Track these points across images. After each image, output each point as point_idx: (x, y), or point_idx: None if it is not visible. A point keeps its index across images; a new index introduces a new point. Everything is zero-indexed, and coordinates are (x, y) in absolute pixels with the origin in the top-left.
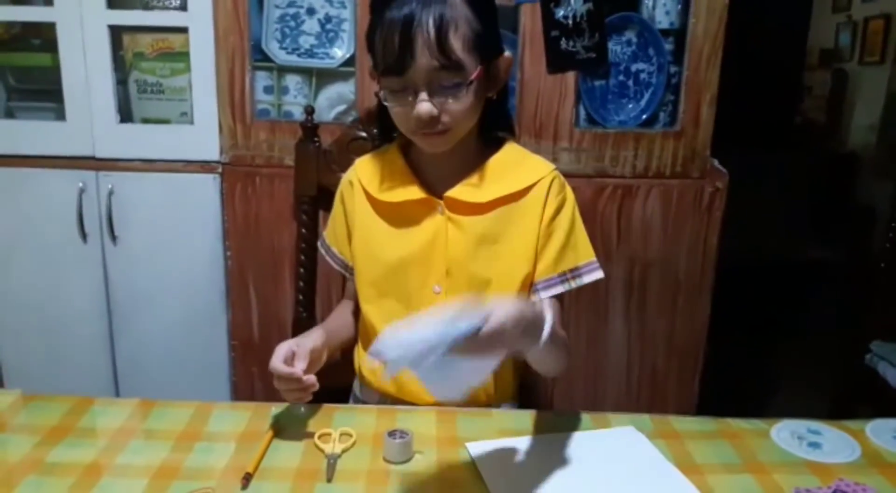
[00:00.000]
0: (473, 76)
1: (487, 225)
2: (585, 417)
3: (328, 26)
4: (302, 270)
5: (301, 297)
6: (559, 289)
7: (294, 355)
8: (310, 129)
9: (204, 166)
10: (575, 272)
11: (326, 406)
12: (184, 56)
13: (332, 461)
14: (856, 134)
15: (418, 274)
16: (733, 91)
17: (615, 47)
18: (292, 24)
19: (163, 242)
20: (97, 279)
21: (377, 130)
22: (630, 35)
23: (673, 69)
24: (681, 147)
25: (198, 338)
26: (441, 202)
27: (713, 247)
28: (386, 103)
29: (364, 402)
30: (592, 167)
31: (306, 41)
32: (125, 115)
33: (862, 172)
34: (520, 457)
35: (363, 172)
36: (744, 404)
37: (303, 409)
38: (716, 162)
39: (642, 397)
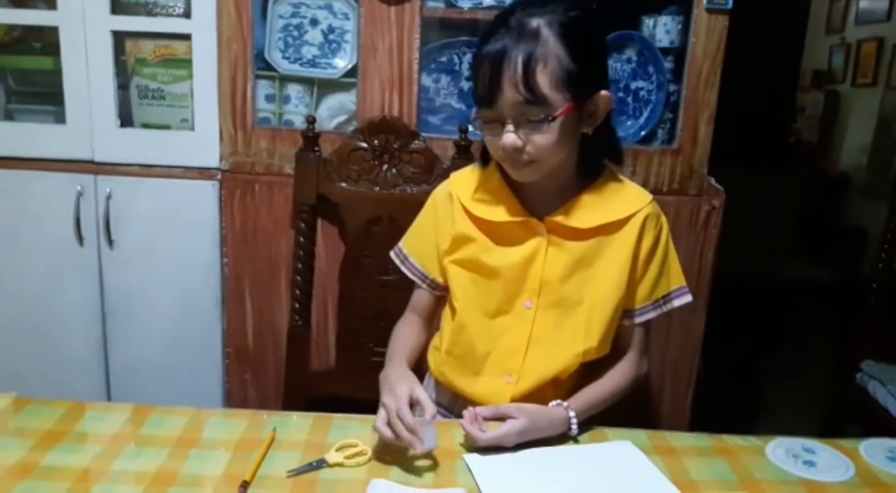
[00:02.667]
0: (559, 113)
1: (585, 250)
2: (581, 431)
3: (331, 37)
4: (298, 278)
5: (297, 305)
6: (651, 315)
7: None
8: (310, 138)
9: (203, 173)
10: (666, 298)
11: (323, 416)
12: (186, 63)
13: (317, 464)
14: (847, 155)
15: (513, 288)
16: (728, 110)
17: (615, 64)
18: (295, 33)
19: (160, 248)
20: (93, 283)
21: (480, 154)
22: (630, 53)
23: (672, 87)
24: (678, 164)
25: (192, 344)
26: (542, 225)
27: (709, 264)
28: (478, 132)
29: (436, 402)
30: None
31: (309, 51)
32: (126, 119)
33: (853, 193)
34: (517, 470)
35: (462, 188)
36: (735, 420)
37: (295, 417)
38: (713, 180)
39: (636, 412)
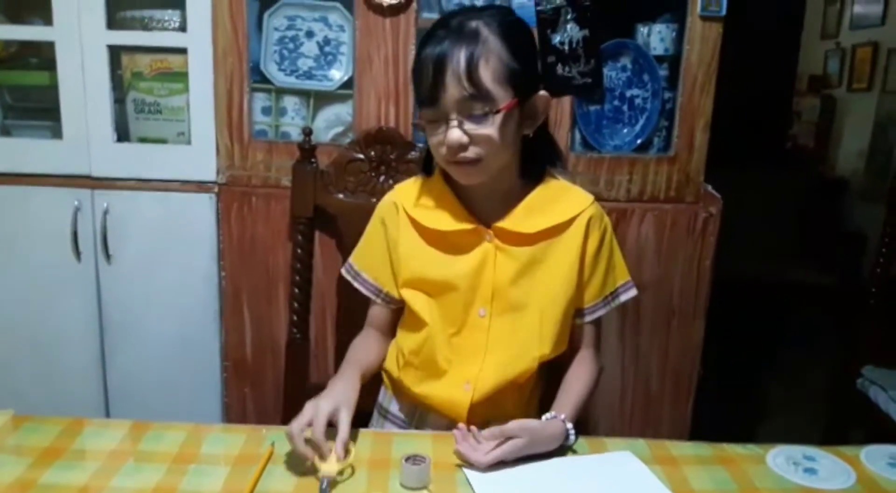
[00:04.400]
0: (503, 106)
1: (533, 254)
2: (581, 441)
3: (327, 49)
4: (297, 290)
5: (295, 318)
6: (601, 312)
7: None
8: (307, 150)
9: (200, 186)
10: (614, 294)
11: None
12: (182, 76)
13: (325, 484)
14: (844, 159)
15: (465, 297)
16: (725, 115)
17: (610, 73)
18: (291, 46)
19: (157, 262)
20: (90, 298)
21: (423, 163)
22: (625, 61)
23: (667, 95)
24: (675, 172)
25: (190, 358)
26: (490, 232)
27: (706, 271)
28: (421, 133)
29: (391, 413)
30: (587, 191)
31: (305, 63)
32: (122, 134)
33: (851, 197)
34: (518, 482)
35: (406, 197)
36: (736, 426)
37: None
38: (709, 187)
39: (635, 419)
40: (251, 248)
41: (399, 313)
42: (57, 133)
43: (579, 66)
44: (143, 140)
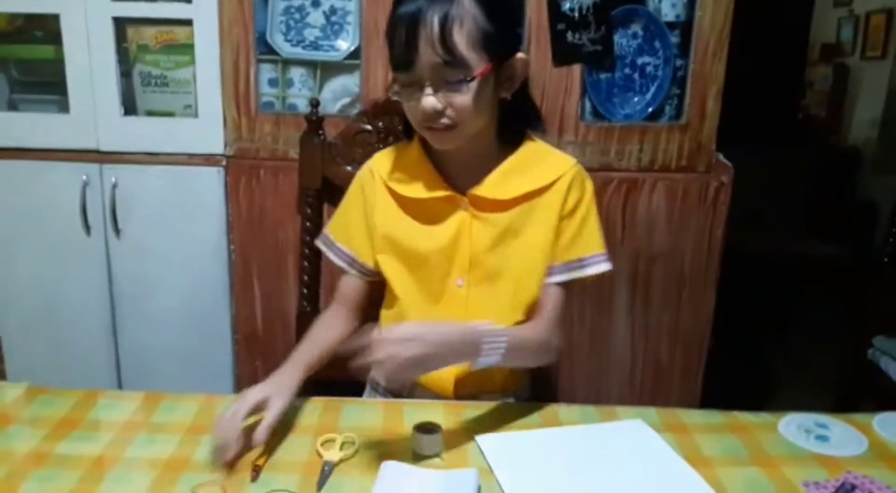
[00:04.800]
0: (478, 72)
1: (511, 220)
2: (592, 410)
3: (333, 19)
4: (306, 263)
5: (305, 290)
6: (562, 277)
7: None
8: (314, 121)
9: (208, 159)
10: (580, 262)
11: (334, 400)
12: (188, 48)
13: (329, 468)
14: (857, 129)
15: (441, 268)
16: (735, 86)
17: (621, 40)
18: (297, 16)
19: (166, 236)
20: (100, 272)
21: (402, 127)
22: (636, 28)
23: (679, 62)
24: (686, 141)
25: (201, 331)
26: (465, 199)
27: (718, 241)
28: (396, 98)
29: (382, 392)
30: (598, 161)
31: (311, 34)
32: (129, 107)
33: (863, 168)
34: (529, 450)
35: (382, 166)
36: (746, 397)
37: (305, 402)
38: (721, 156)
39: (645, 390)
40: (260, 220)
41: (371, 289)
42: (64, 107)
43: (589, 34)
44: (150, 113)
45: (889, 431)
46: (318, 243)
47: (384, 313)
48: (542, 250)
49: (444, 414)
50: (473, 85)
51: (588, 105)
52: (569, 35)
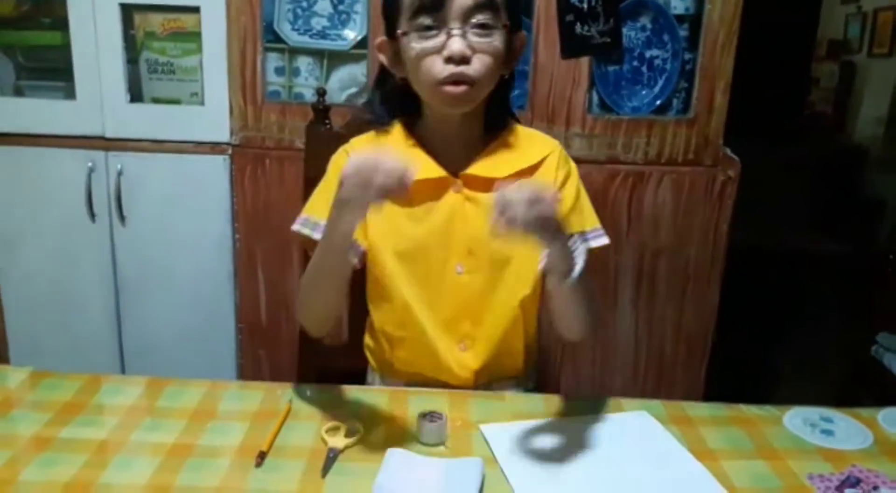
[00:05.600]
0: (506, 22)
1: None
2: (597, 401)
3: (340, 8)
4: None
5: None
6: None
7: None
8: (321, 111)
9: (214, 148)
10: (581, 236)
11: (340, 387)
12: (195, 36)
13: (333, 455)
14: (863, 126)
15: (439, 255)
16: (742, 81)
17: (629, 33)
18: (304, 5)
19: (171, 224)
20: (105, 259)
21: (379, 106)
22: (645, 21)
23: (687, 56)
24: (693, 134)
25: (205, 320)
26: (458, 181)
27: (723, 235)
28: (413, 48)
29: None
30: (604, 153)
31: (318, 23)
32: (135, 94)
33: (869, 165)
34: (534, 440)
35: (363, 149)
36: (750, 392)
37: (310, 390)
38: (728, 150)
39: (649, 383)
40: (265, 210)
41: (355, 276)
42: (70, 94)
43: (598, 26)
44: (156, 101)
45: (894, 425)
46: (298, 228)
47: (384, 314)
48: None
49: (448, 402)
50: (502, 34)
51: (595, 97)
52: (577, 27)
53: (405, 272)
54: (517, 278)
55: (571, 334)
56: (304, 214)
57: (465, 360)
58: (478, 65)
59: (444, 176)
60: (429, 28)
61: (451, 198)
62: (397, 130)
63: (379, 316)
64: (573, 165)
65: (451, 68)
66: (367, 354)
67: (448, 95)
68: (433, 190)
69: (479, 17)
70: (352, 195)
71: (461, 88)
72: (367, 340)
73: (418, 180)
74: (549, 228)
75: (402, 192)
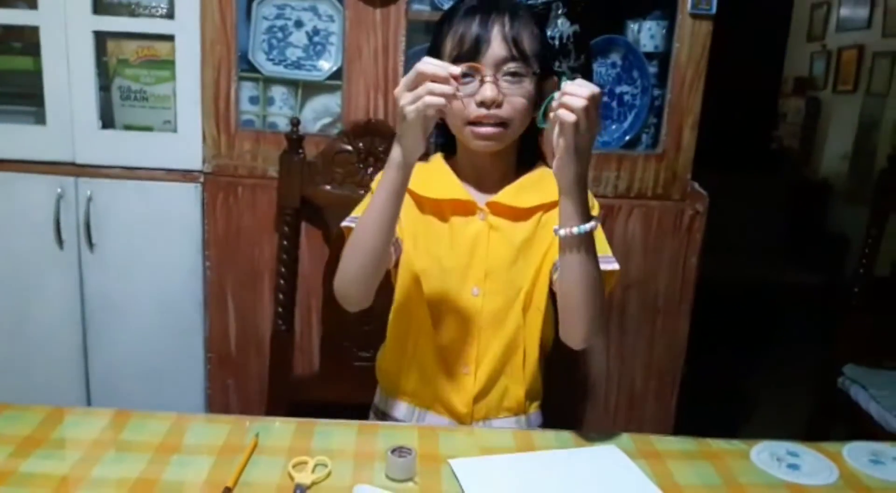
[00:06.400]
0: (537, 68)
1: (526, 232)
2: (567, 435)
3: (316, 39)
4: (282, 282)
5: (280, 309)
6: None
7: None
8: (295, 140)
9: (186, 175)
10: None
11: (306, 421)
12: (169, 64)
13: (300, 491)
14: (829, 161)
15: (458, 277)
16: (711, 116)
17: (600, 69)
18: (280, 35)
19: (141, 251)
20: (73, 287)
21: (438, 138)
22: (615, 57)
23: (656, 92)
24: (662, 169)
25: (174, 349)
26: (484, 208)
27: (692, 268)
28: (452, 92)
29: (390, 416)
30: None
31: (293, 53)
32: (107, 121)
33: (835, 199)
34: (503, 474)
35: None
36: (720, 424)
37: (278, 423)
38: (696, 185)
39: (620, 416)
40: (236, 238)
41: (388, 276)
42: (41, 119)
43: (569, 62)
44: (128, 127)
45: (859, 461)
46: (347, 223)
47: (400, 329)
48: (553, 256)
49: (418, 437)
50: (532, 82)
51: None
52: None
53: (423, 289)
54: (527, 306)
55: (575, 339)
56: (352, 215)
57: (466, 384)
58: (509, 108)
59: (471, 200)
60: (465, 75)
61: (477, 224)
62: (436, 159)
63: (395, 331)
64: (596, 202)
65: (484, 110)
66: (379, 371)
67: (480, 135)
68: (460, 212)
69: (510, 66)
70: (408, 111)
71: (493, 129)
72: (380, 361)
73: (447, 200)
74: (591, 138)
75: (451, 91)
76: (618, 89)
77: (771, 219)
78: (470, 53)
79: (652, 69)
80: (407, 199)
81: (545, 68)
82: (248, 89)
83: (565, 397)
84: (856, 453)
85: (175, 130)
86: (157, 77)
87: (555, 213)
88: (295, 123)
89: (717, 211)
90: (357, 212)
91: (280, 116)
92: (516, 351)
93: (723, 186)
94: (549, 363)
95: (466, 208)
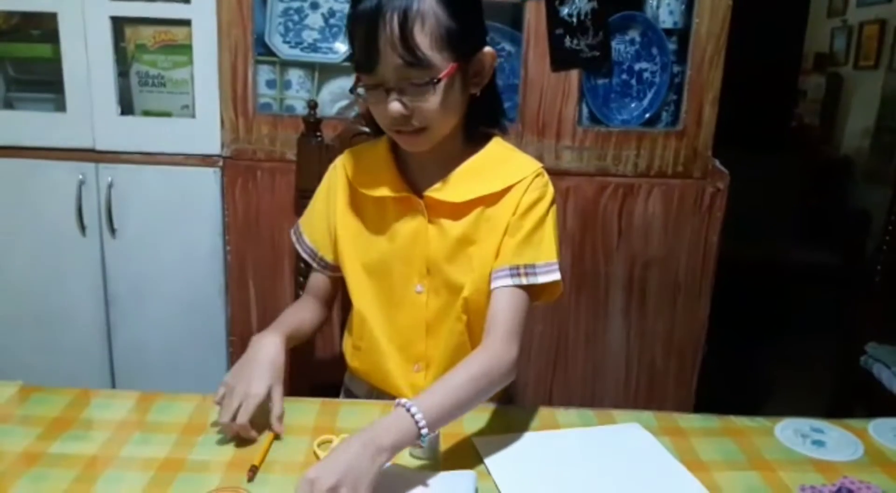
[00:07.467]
0: (443, 75)
1: (465, 227)
2: (589, 413)
3: (332, 21)
4: (302, 265)
5: (300, 292)
6: (507, 281)
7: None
8: (312, 123)
9: (205, 160)
10: (530, 269)
11: (332, 401)
12: (186, 49)
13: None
14: (850, 138)
15: (401, 272)
16: (730, 94)
17: (619, 46)
18: (296, 18)
19: (162, 236)
20: (95, 272)
21: (370, 122)
22: (634, 34)
23: (676, 69)
24: (683, 147)
25: (196, 332)
26: (421, 202)
27: (713, 247)
28: (361, 99)
29: (354, 395)
30: (594, 166)
31: (310, 35)
32: (126, 107)
33: (856, 177)
34: (527, 452)
35: (349, 162)
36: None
37: (302, 403)
38: (717, 162)
39: (640, 395)
40: (256, 222)
41: (337, 285)
42: (60, 106)
43: (587, 39)
44: (147, 113)
45: (885, 436)
46: (291, 233)
47: (350, 321)
48: (493, 257)
49: None
50: (440, 86)
51: (585, 110)
52: (567, 40)
53: (370, 285)
54: (467, 306)
55: None
56: (299, 220)
57: (417, 381)
58: (421, 116)
59: (406, 196)
60: (370, 87)
61: (417, 218)
62: (383, 143)
63: (349, 322)
64: (550, 192)
65: (396, 124)
66: (345, 353)
67: (402, 141)
68: (398, 208)
69: (413, 77)
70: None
71: (412, 137)
72: (344, 346)
73: (385, 198)
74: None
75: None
76: (637, 66)
77: (792, 198)
78: (367, 66)
79: (671, 46)
80: (347, 194)
81: (466, 50)
82: (265, 73)
83: (585, 376)
84: (882, 429)
85: (193, 115)
86: (174, 62)
87: (497, 207)
88: (312, 105)
89: (738, 190)
90: (301, 220)
91: (297, 99)
92: (466, 352)
93: (743, 164)
94: (566, 342)
95: (405, 204)
